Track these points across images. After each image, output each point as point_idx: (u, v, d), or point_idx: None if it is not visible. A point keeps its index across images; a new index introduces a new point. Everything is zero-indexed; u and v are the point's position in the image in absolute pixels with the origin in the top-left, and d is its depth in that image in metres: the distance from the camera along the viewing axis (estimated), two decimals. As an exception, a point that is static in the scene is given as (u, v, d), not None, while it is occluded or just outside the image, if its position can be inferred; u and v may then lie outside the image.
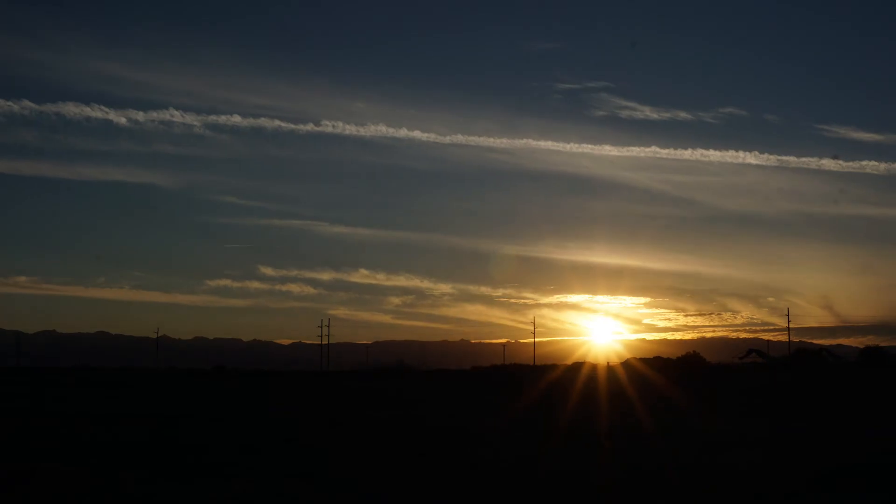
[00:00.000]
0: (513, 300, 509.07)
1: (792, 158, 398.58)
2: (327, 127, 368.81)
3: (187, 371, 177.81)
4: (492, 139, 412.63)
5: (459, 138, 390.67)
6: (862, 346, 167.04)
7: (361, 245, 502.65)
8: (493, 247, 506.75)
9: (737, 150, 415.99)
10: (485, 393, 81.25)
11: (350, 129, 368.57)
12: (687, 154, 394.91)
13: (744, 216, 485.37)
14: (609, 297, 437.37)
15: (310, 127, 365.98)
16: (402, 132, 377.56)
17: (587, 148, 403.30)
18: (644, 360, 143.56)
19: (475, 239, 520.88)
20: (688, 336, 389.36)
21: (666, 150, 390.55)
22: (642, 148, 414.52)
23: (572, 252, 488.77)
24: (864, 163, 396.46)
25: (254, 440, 39.30)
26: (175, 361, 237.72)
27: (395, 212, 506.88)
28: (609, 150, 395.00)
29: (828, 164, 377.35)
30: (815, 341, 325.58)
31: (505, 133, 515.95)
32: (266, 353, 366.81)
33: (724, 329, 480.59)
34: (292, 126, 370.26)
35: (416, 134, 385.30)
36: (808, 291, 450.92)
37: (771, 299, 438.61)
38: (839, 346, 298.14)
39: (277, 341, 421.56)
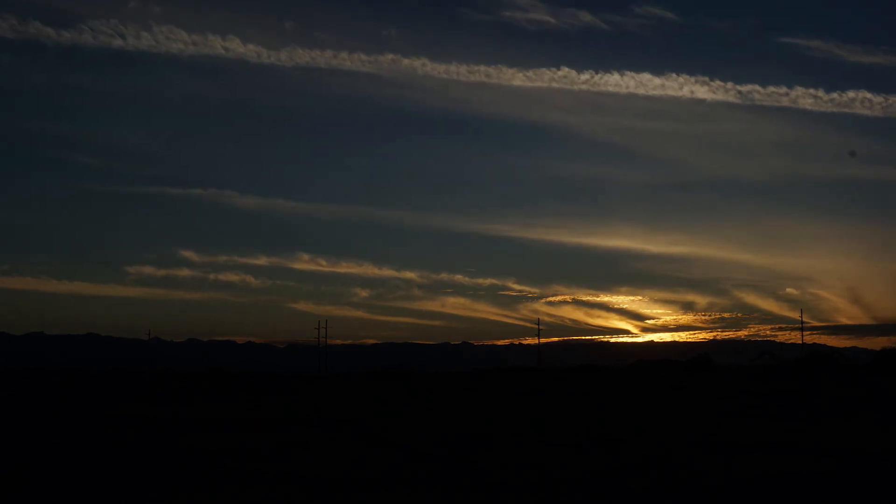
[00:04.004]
0: (502, 293, 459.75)
1: (756, 89, 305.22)
2: (113, 38, 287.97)
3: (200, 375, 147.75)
4: (345, 56, 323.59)
5: (301, 55, 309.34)
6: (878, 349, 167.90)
7: (283, 221, 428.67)
8: (448, 224, 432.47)
9: (678, 74, 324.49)
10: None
11: (143, 40, 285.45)
12: (613, 81, 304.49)
13: (734, 182, 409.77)
14: (610, 294, 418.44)
15: (87, 37, 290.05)
16: (215, 44, 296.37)
17: (481, 72, 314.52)
18: (653, 364, 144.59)
19: (415, 213, 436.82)
20: (700, 336, 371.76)
21: (584, 75, 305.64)
22: (552, 72, 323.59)
23: (544, 232, 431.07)
24: (851, 94, 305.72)
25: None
26: (168, 364, 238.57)
27: (299, 176, 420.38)
28: (512, 76, 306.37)
29: (804, 98, 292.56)
30: (838, 342, 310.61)
31: (359, 45, 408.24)
32: (263, 355, 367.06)
33: (741, 328, 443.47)
34: (67, 35, 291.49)
35: (235, 46, 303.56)
36: (831, 280, 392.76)
37: (790, 290, 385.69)
38: (853, 348, 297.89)
39: (274, 343, 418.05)
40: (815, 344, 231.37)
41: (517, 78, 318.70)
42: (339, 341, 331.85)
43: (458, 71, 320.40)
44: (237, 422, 54.65)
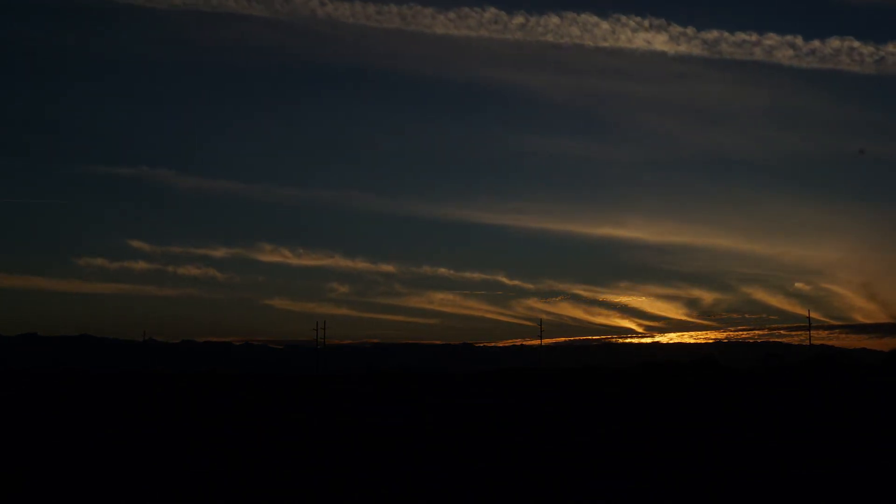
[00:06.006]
0: (498, 292, 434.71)
1: (723, 36, 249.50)
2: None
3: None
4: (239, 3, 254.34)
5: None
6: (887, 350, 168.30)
7: (234, 206, 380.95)
8: (415, 209, 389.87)
9: (626, 16, 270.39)
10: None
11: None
12: (553, 25, 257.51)
13: (723, 159, 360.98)
14: (610, 290, 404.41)
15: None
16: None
17: (394, 14, 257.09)
18: (657, 366, 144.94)
19: (378, 197, 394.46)
20: (708, 336, 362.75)
21: (517, 18, 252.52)
22: (478, 13, 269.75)
23: (525, 219, 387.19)
24: (835, 43, 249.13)
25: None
26: (165, 366, 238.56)
27: (241, 152, 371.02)
28: (432, 20, 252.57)
29: (780, 49, 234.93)
30: (855, 342, 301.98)
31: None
32: (260, 356, 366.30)
33: (753, 328, 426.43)
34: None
35: None
36: (844, 273, 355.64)
37: (799, 285, 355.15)
38: (862, 349, 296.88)
39: (271, 343, 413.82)
40: (822, 346, 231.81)
41: (438, 23, 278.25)
42: (336, 341, 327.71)
43: (367, 13, 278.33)
44: (236, 423, 55.26)
